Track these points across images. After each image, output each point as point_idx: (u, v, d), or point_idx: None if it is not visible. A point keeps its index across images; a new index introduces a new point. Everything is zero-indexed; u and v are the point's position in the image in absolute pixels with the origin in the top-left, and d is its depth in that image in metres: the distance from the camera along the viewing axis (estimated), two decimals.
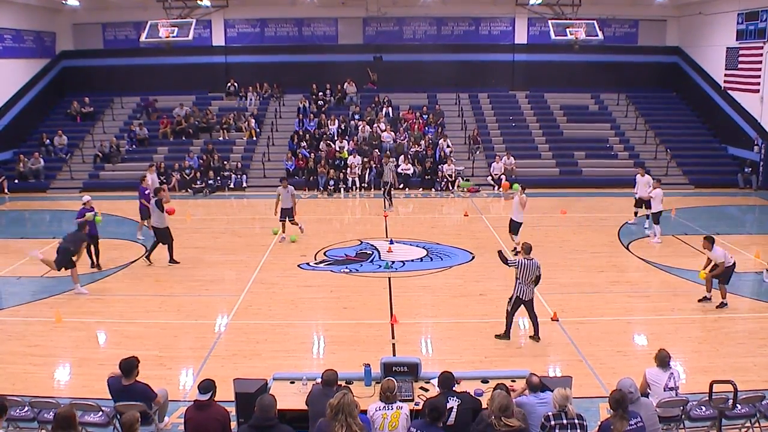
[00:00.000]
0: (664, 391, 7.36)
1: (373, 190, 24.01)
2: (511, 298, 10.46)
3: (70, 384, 9.44)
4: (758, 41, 23.77)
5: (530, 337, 10.72)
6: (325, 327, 11.66)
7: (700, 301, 12.42)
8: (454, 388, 6.77)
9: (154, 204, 15.23)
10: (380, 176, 22.03)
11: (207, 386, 6.70)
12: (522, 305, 10.43)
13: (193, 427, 6.55)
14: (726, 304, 12.08)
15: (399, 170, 24.56)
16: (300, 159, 25.24)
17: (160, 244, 15.21)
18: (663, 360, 7.47)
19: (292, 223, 17.17)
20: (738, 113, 25.66)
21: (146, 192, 17.03)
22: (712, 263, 12.06)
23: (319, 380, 6.90)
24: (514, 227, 15.64)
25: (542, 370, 9.26)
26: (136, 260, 15.51)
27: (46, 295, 13.01)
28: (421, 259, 15.59)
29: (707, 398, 7.16)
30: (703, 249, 12.41)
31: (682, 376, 7.50)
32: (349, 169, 24.59)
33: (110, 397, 7.28)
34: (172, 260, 15.15)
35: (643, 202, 18.03)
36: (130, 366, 7.19)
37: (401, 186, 24.02)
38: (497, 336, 10.66)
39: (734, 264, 12.13)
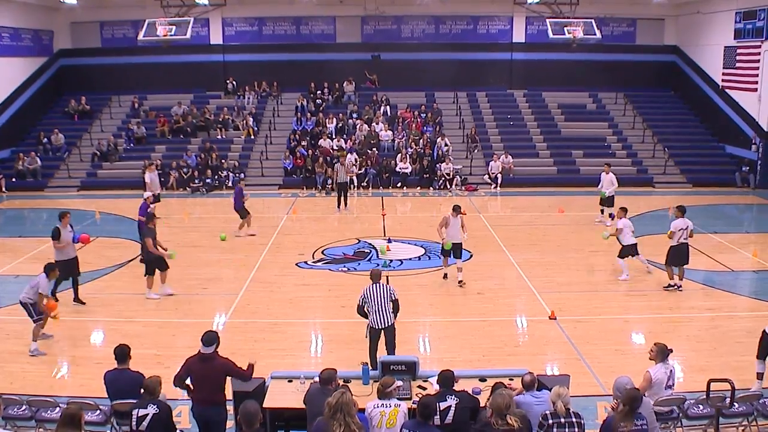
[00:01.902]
0: (665, 389, 7.35)
1: (371, 189, 24.00)
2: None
3: (67, 383, 9.45)
4: (756, 40, 23.79)
5: None
6: (323, 326, 11.67)
7: (666, 288, 13.14)
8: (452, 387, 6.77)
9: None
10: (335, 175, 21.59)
11: (211, 339, 6.99)
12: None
13: (198, 377, 6.91)
14: (672, 286, 13.03)
15: (397, 169, 24.61)
16: (298, 158, 25.23)
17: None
18: (663, 352, 7.37)
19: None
20: (736, 112, 25.69)
21: (243, 193, 17.58)
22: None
23: (316, 379, 6.90)
24: None
25: (540, 368, 9.27)
26: (133, 259, 15.49)
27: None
28: (419, 257, 15.60)
29: (705, 397, 7.18)
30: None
31: (679, 375, 7.48)
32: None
33: (107, 396, 7.26)
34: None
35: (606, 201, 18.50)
36: (122, 352, 7.27)
37: (398, 185, 24.06)
38: None
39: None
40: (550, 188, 24.02)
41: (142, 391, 6.63)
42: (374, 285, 9.31)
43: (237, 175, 24.51)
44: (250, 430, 5.76)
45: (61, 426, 5.77)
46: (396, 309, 9.42)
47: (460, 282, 13.41)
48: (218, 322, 11.62)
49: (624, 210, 14.22)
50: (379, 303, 9.25)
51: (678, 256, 12.91)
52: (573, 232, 17.89)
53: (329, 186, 23.69)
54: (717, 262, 15.05)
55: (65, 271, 11.93)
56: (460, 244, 13.48)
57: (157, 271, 12.81)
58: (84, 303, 12.51)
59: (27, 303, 10.36)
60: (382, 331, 9.33)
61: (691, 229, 12.93)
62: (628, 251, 13.66)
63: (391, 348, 9.40)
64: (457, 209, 13.21)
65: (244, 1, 28.18)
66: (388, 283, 9.60)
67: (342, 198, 20.75)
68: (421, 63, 29.68)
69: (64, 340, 10.91)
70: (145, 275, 12.76)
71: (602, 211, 18.75)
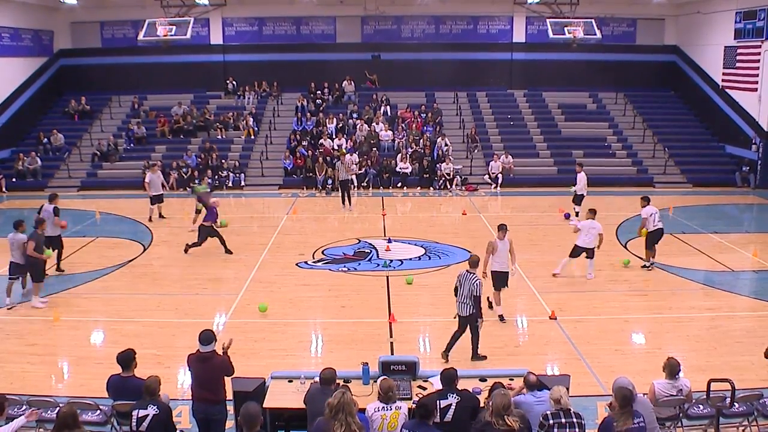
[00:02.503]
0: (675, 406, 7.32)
1: (371, 189, 24.00)
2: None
3: (67, 383, 9.45)
4: (756, 40, 23.79)
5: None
6: (323, 326, 11.67)
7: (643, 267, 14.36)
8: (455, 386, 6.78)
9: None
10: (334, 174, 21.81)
11: (208, 338, 7.00)
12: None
13: (197, 376, 6.98)
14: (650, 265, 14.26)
15: (398, 169, 24.60)
16: (298, 158, 25.22)
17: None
18: (673, 369, 7.23)
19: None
20: (736, 112, 25.68)
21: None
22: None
23: (317, 379, 6.90)
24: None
25: (540, 368, 9.26)
26: (133, 259, 15.50)
27: (44, 294, 12.97)
28: (420, 257, 15.60)
29: (705, 397, 7.18)
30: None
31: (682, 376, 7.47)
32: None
33: (108, 396, 7.26)
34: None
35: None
36: (126, 358, 7.18)
37: (399, 185, 24.09)
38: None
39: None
40: (550, 188, 24.00)
41: None
42: (465, 272, 9.68)
43: (237, 175, 24.53)
44: (252, 430, 5.74)
45: (60, 429, 5.76)
46: (475, 303, 9.57)
47: (500, 317, 11.60)
48: (218, 322, 11.62)
49: (593, 213, 13.86)
50: (463, 291, 9.63)
51: (655, 239, 14.30)
52: (573, 233, 17.83)
53: (330, 186, 23.71)
54: (717, 262, 15.05)
55: (55, 244, 13.97)
56: (507, 273, 11.68)
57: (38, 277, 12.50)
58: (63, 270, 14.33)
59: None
60: (462, 318, 9.75)
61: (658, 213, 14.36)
62: (581, 252, 13.63)
63: (474, 342, 9.87)
64: (503, 228, 11.60)
65: (245, 1, 28.18)
66: (473, 273, 9.64)
67: (346, 195, 20.89)
68: (422, 63, 29.69)
69: (65, 339, 10.91)
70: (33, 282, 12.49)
71: (577, 213, 18.53)
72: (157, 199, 19.16)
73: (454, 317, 9.91)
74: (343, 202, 20.95)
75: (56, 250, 14.16)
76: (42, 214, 13.54)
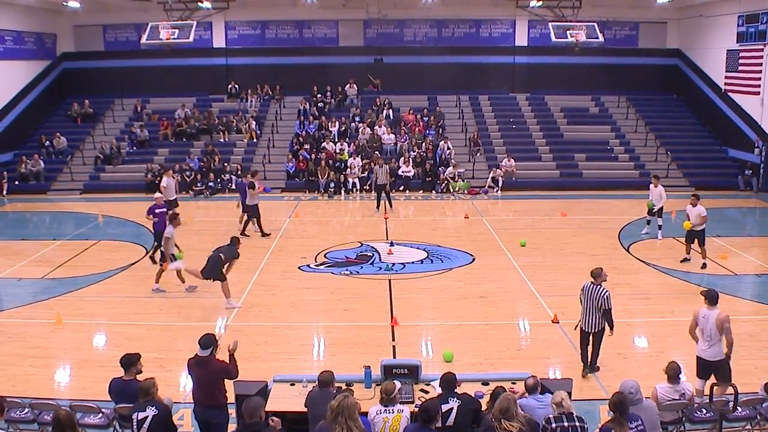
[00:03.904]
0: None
1: (373, 192, 23.96)
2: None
3: (70, 386, 9.44)
4: (759, 43, 23.77)
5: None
6: (325, 329, 11.66)
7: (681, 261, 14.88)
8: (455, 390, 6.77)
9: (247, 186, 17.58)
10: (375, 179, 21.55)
11: (207, 342, 6.99)
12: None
13: (196, 380, 7.00)
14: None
15: (400, 172, 24.59)
16: (300, 161, 25.25)
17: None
18: (674, 373, 7.26)
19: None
20: (738, 115, 25.66)
21: (246, 188, 17.76)
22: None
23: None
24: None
25: (542, 372, 9.25)
26: (136, 262, 15.51)
27: (47, 297, 13.02)
28: (422, 261, 15.59)
29: (708, 401, 7.16)
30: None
31: (682, 378, 7.45)
32: (349, 170, 24.60)
33: (110, 399, 7.26)
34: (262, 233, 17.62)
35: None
36: (128, 361, 7.21)
37: (401, 188, 24.09)
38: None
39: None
40: (552, 192, 24.00)
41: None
42: (590, 283, 9.14)
43: (240, 178, 24.53)
44: (251, 420, 5.81)
45: None
46: (607, 317, 9.04)
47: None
48: (220, 325, 11.62)
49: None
50: (589, 305, 9.10)
51: (702, 236, 14.75)
52: (575, 236, 17.87)
53: (332, 189, 23.74)
54: (719, 265, 15.02)
55: None
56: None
57: None
58: None
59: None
60: (590, 335, 9.22)
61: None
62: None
63: (595, 351, 9.35)
64: (713, 298, 8.24)
65: (247, 5, 28.23)
66: (602, 286, 9.07)
67: (381, 200, 20.74)
68: (424, 66, 29.72)
69: (67, 342, 10.91)
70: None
71: (648, 222, 17.96)
72: (172, 204, 19.11)
73: (575, 328, 9.55)
74: (378, 207, 20.77)
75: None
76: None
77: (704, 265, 14.66)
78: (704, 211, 14.47)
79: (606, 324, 9.13)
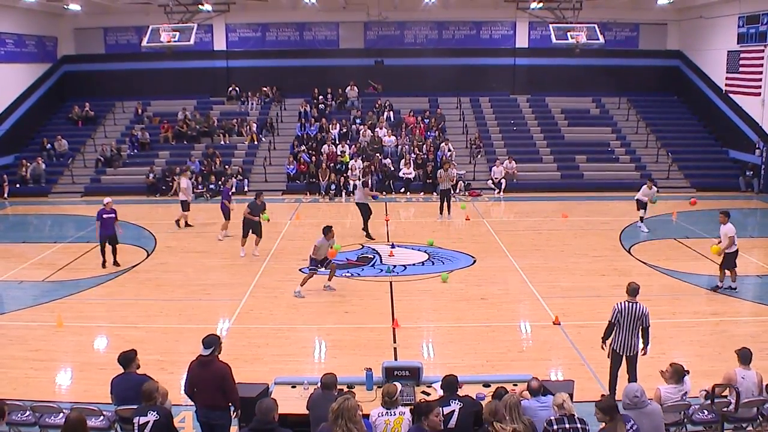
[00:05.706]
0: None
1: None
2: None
3: (71, 388, 9.44)
4: (759, 44, 23.77)
5: None
6: (326, 331, 11.65)
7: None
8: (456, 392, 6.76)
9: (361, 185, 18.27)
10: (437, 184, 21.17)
11: (210, 342, 6.94)
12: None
13: (198, 381, 6.89)
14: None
15: (401, 174, 24.59)
16: (301, 163, 25.25)
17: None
18: (677, 374, 7.26)
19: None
20: (739, 116, 25.65)
21: (229, 193, 17.68)
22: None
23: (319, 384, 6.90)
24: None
25: (544, 374, 9.23)
26: (137, 265, 15.52)
27: (48, 300, 13.01)
28: (423, 263, 15.58)
29: (710, 402, 7.15)
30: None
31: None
32: (350, 172, 24.60)
33: (111, 402, 7.26)
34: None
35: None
36: (126, 359, 7.25)
37: (402, 190, 24.09)
38: None
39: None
40: (553, 193, 23.99)
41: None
42: (626, 302, 8.43)
43: (240, 181, 24.54)
44: (265, 418, 5.82)
45: None
46: (645, 334, 8.44)
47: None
48: (221, 328, 11.61)
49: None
50: (629, 324, 8.36)
51: (734, 258, 13.08)
52: (576, 237, 17.85)
53: (333, 191, 23.81)
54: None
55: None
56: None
57: None
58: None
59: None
60: (625, 357, 8.53)
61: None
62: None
63: (632, 376, 8.44)
64: (746, 357, 7.87)
65: (248, 7, 28.25)
66: (639, 303, 8.44)
67: (445, 204, 20.41)
68: (424, 68, 29.73)
69: (68, 345, 10.91)
70: None
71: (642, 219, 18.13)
72: (188, 206, 19.16)
73: (608, 355, 8.72)
74: (441, 212, 20.53)
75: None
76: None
77: (717, 288, 13.31)
78: (732, 230, 12.90)
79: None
